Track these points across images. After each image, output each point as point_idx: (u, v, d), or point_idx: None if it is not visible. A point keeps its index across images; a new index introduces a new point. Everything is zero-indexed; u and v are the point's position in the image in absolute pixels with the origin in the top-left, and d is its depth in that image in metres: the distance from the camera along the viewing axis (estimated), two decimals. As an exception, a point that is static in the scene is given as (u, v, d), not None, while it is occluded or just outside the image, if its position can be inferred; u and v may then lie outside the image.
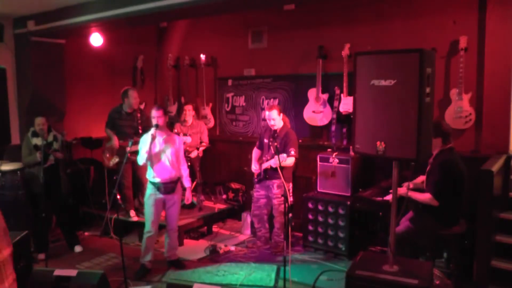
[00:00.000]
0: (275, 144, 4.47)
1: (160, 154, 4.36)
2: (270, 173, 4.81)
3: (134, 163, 5.18)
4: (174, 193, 4.45)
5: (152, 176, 4.41)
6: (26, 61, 5.87)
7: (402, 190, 3.80)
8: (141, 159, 4.37)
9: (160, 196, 4.39)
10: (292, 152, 4.64)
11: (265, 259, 4.82)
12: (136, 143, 4.66)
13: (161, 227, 4.71)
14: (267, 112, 4.85)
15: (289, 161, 4.60)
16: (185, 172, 4.53)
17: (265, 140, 4.93)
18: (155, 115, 4.32)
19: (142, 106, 5.93)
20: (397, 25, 5.02)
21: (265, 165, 4.83)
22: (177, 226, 4.63)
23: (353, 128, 3.02)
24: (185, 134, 5.66)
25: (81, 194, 5.81)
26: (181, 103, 6.55)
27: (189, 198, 4.60)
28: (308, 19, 5.70)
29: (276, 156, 4.45)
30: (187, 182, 4.55)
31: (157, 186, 4.37)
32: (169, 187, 4.38)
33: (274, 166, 4.67)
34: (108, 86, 6.60)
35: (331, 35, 5.48)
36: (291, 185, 4.89)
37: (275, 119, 4.77)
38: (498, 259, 3.79)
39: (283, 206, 4.30)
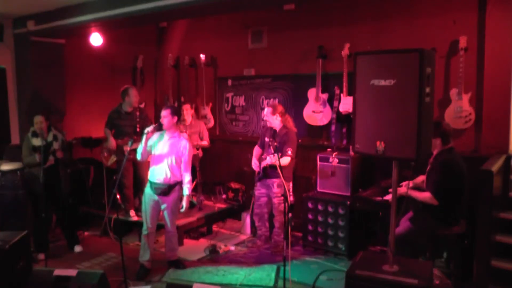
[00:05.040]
0: (275, 143, 4.48)
1: (161, 154, 4.34)
2: (270, 172, 4.82)
3: (135, 161, 5.18)
4: (168, 197, 4.35)
5: (150, 175, 4.42)
6: (26, 61, 5.87)
7: (402, 190, 3.80)
8: (138, 154, 4.38)
9: (155, 196, 4.37)
10: (289, 152, 4.65)
11: (265, 259, 4.82)
12: (135, 141, 4.65)
13: (161, 227, 4.71)
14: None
15: (284, 160, 4.61)
16: (186, 179, 4.38)
17: (266, 139, 4.94)
18: (161, 115, 4.33)
19: (142, 106, 5.93)
20: (397, 25, 5.01)
21: (263, 164, 4.84)
22: (175, 229, 4.59)
23: (353, 128, 3.01)
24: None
25: (81, 194, 5.81)
26: (181, 103, 6.54)
27: (184, 206, 4.36)
28: (308, 19, 5.69)
29: (271, 155, 4.48)
30: (186, 190, 4.38)
31: (152, 186, 4.37)
32: (162, 189, 4.31)
33: (269, 163, 4.70)
34: (108, 86, 6.59)
35: (331, 35, 5.48)
36: (291, 184, 4.89)
37: (268, 117, 4.86)
38: (498, 259, 3.78)
39: (283, 205, 4.30)
